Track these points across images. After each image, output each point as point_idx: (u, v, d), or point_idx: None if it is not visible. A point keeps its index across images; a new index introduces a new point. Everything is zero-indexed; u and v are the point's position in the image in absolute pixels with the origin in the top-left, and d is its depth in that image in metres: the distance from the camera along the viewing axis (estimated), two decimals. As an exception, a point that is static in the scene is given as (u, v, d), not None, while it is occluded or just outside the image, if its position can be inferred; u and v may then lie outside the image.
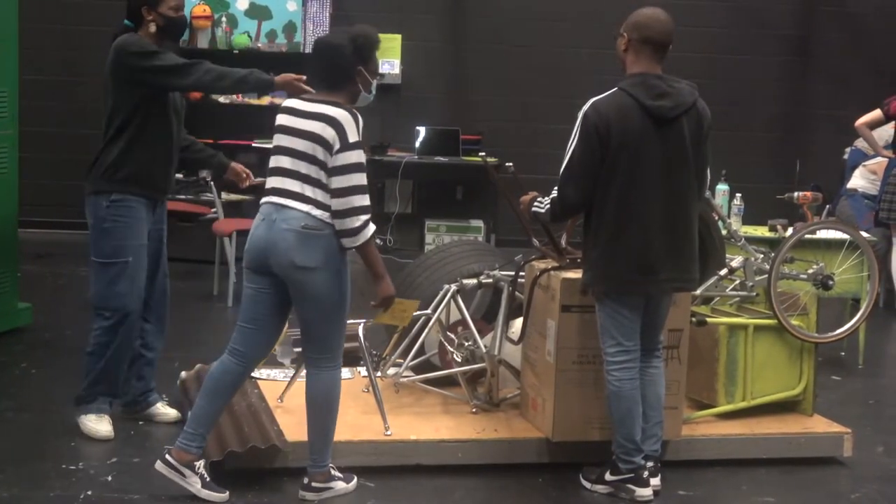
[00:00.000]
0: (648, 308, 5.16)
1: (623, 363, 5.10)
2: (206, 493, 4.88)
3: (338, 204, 4.69)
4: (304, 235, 4.72)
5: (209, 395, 4.95)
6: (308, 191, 4.73)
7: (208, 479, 4.91)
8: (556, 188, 5.12)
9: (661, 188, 5.00)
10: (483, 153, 6.46)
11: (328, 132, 4.68)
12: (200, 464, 4.92)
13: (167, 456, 4.91)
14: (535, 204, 5.25)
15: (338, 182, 4.68)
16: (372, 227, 4.76)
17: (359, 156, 4.71)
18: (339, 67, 4.81)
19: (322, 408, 4.96)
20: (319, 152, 4.70)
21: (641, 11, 5.12)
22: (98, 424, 5.59)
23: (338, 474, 5.06)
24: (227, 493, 4.92)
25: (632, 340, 5.12)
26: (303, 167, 4.74)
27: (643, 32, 5.05)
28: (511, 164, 6.09)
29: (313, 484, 4.98)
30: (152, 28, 5.54)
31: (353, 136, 4.69)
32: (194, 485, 4.87)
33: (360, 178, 4.70)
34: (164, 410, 5.89)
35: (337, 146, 4.67)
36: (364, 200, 4.71)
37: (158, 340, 5.85)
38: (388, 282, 4.89)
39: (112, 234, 5.49)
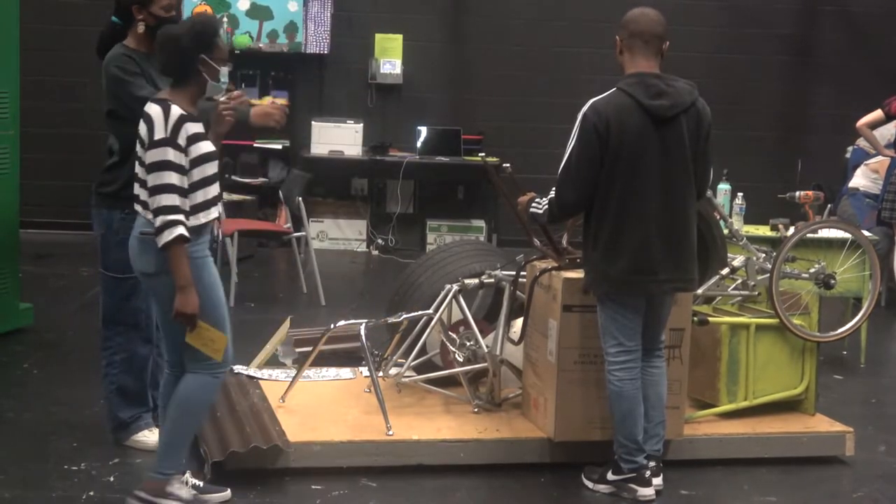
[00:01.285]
0: (649, 308, 5.16)
1: (624, 363, 5.10)
2: (208, 498, 4.87)
3: (150, 203, 4.51)
4: (141, 241, 4.61)
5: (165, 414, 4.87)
6: (143, 194, 4.59)
7: (202, 485, 4.88)
8: (553, 189, 5.12)
9: (661, 188, 5.00)
10: (482, 153, 6.44)
11: (143, 129, 4.55)
12: (187, 476, 4.85)
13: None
14: (533, 205, 5.25)
15: (149, 180, 4.50)
16: (177, 231, 4.43)
17: (163, 153, 4.47)
18: (181, 59, 4.63)
19: (175, 412, 4.73)
20: (142, 152, 4.57)
21: (630, 11, 5.16)
22: (156, 437, 5.36)
23: (179, 493, 4.73)
24: (228, 489, 4.92)
25: (633, 340, 5.12)
26: (141, 171, 4.59)
27: (630, 28, 5.09)
28: (508, 164, 6.09)
29: (141, 494, 4.72)
30: (141, 28, 5.35)
31: (159, 133, 4.48)
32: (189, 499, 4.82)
33: (168, 177, 4.46)
34: None
35: (147, 143, 4.51)
36: (168, 200, 4.45)
37: None
38: (187, 297, 4.48)
39: (126, 246, 5.35)
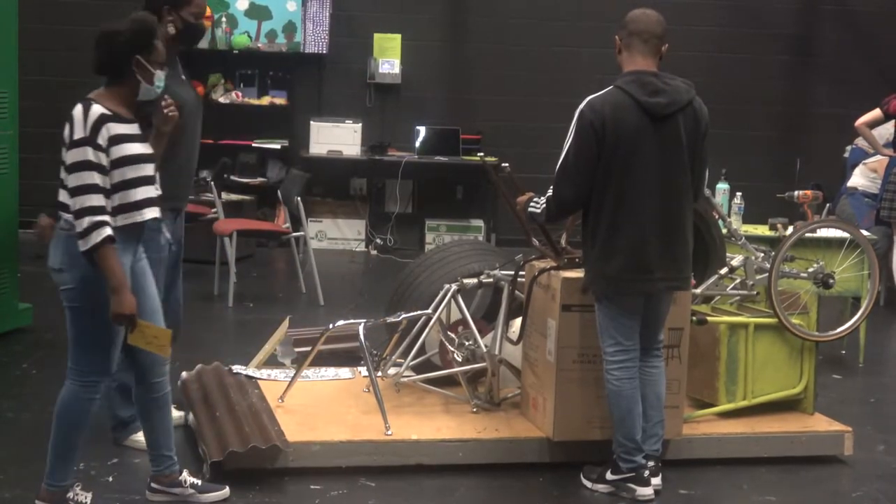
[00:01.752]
0: (647, 307, 5.16)
1: (622, 362, 5.10)
2: (206, 497, 4.87)
3: (71, 204, 4.38)
4: (57, 237, 4.51)
5: (141, 416, 4.86)
6: (62, 195, 4.49)
7: (200, 483, 4.90)
8: (551, 187, 5.12)
9: (657, 186, 5.01)
10: (481, 153, 6.43)
11: (65, 130, 4.42)
12: (185, 476, 4.88)
13: (152, 484, 4.87)
14: (531, 204, 5.25)
15: (68, 181, 4.39)
16: (105, 232, 4.33)
17: (83, 153, 4.35)
18: (115, 56, 4.51)
19: (55, 422, 4.61)
20: (64, 153, 4.44)
21: (631, 11, 5.18)
22: None
23: (80, 500, 4.68)
24: (227, 487, 4.93)
25: (631, 340, 5.12)
26: (63, 174, 4.45)
27: (630, 27, 5.10)
28: (507, 164, 6.10)
29: (36, 502, 4.66)
30: (171, 29, 5.37)
31: (78, 133, 4.37)
32: (192, 497, 4.85)
33: (88, 177, 4.35)
34: (173, 414, 5.85)
35: (67, 143, 4.40)
36: (92, 201, 4.34)
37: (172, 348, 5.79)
38: (121, 299, 4.38)
39: None
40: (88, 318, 4.51)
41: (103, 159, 4.40)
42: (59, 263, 4.50)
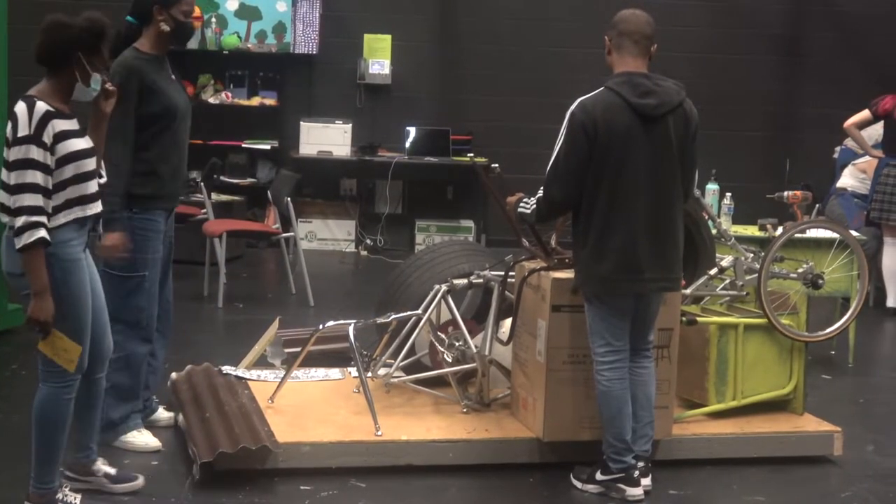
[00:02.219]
0: (637, 308, 5.16)
1: (612, 363, 5.11)
2: (120, 487, 4.89)
3: (11, 202, 4.34)
4: (7, 241, 4.47)
5: (76, 406, 4.76)
6: (3, 196, 4.41)
7: (114, 473, 4.92)
8: (541, 188, 5.12)
9: (648, 187, 5.01)
10: (471, 154, 6.44)
11: (8, 127, 4.39)
12: (99, 465, 4.90)
13: (66, 472, 4.87)
14: (521, 205, 5.26)
15: (11, 178, 4.33)
16: (38, 233, 4.28)
17: (27, 151, 4.30)
18: (59, 48, 4.44)
19: (34, 425, 4.59)
20: (7, 151, 4.38)
21: (620, 12, 5.19)
22: (145, 438, 5.50)
23: (69, 500, 4.68)
24: (141, 477, 4.97)
25: (621, 340, 5.13)
26: (4, 173, 4.41)
27: (620, 28, 5.11)
28: (497, 165, 6.10)
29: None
30: (162, 27, 5.35)
31: (23, 130, 4.31)
32: (106, 486, 4.87)
33: (30, 176, 4.29)
34: (163, 415, 5.86)
35: (10, 140, 4.34)
36: (31, 200, 4.28)
37: (163, 349, 5.79)
38: (41, 303, 4.33)
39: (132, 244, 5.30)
40: (58, 320, 4.43)
41: (48, 158, 4.36)
42: (17, 268, 4.45)
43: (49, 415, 4.57)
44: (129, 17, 5.44)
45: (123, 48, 5.38)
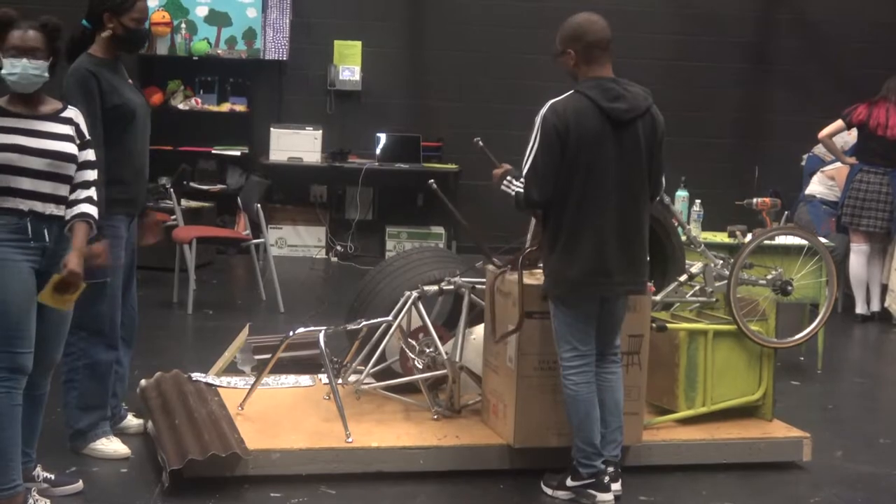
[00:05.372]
0: (603, 311, 5.17)
1: (579, 367, 5.11)
2: (60, 490, 4.87)
3: None
4: None
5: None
6: None
7: (54, 477, 4.89)
8: (523, 178, 5.08)
9: (616, 191, 5.03)
10: (431, 180, 6.44)
11: None
12: (38, 471, 4.86)
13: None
14: (505, 183, 5.22)
15: None
16: None
17: None
18: None
19: None
20: None
21: (573, 21, 5.14)
22: (114, 445, 5.45)
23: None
24: (80, 481, 4.94)
25: (587, 345, 5.13)
26: None
27: (587, 39, 5.08)
28: (479, 138, 6.09)
29: None
30: (112, 34, 5.35)
31: None
32: (46, 491, 4.84)
33: None
34: (132, 422, 5.83)
35: None
36: None
37: (128, 355, 5.76)
38: None
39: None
40: None
41: None
42: None
43: None
44: (84, 21, 5.44)
45: (80, 52, 5.39)
